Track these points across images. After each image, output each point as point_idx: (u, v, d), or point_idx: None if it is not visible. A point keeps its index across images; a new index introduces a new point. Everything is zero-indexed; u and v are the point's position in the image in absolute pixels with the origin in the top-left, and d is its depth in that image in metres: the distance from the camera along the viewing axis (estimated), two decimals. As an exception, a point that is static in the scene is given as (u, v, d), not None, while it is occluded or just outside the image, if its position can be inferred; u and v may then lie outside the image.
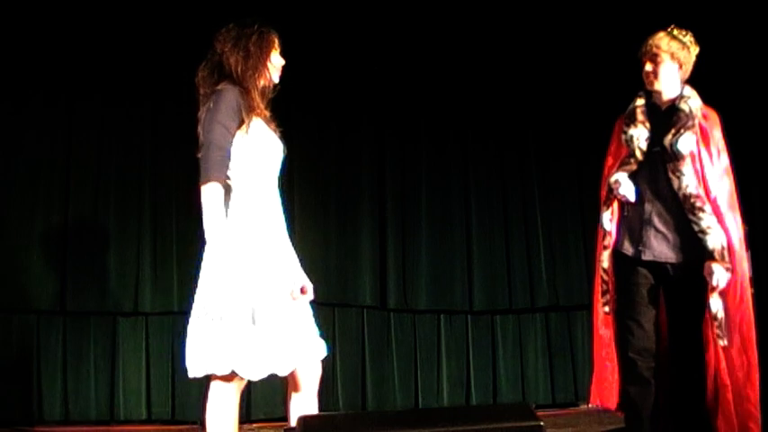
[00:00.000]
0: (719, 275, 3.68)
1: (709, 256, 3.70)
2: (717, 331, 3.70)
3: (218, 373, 3.08)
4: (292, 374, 3.27)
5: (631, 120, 3.91)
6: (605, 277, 3.92)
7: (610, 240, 3.90)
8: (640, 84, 3.94)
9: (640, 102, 3.94)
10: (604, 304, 3.93)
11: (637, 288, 3.83)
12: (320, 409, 3.47)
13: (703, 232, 3.71)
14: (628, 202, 3.85)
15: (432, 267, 7.11)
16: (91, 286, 6.28)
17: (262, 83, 3.28)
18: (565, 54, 7.28)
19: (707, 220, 3.71)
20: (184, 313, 6.34)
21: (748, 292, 3.78)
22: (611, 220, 3.91)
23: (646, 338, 3.79)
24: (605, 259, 3.91)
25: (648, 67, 3.84)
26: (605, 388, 3.94)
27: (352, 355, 6.75)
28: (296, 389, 3.32)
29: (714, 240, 3.70)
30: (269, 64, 3.29)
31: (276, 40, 3.33)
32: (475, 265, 7.21)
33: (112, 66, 6.41)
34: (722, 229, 3.72)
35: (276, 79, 3.34)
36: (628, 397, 3.84)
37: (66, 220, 6.28)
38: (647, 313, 3.80)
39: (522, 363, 7.26)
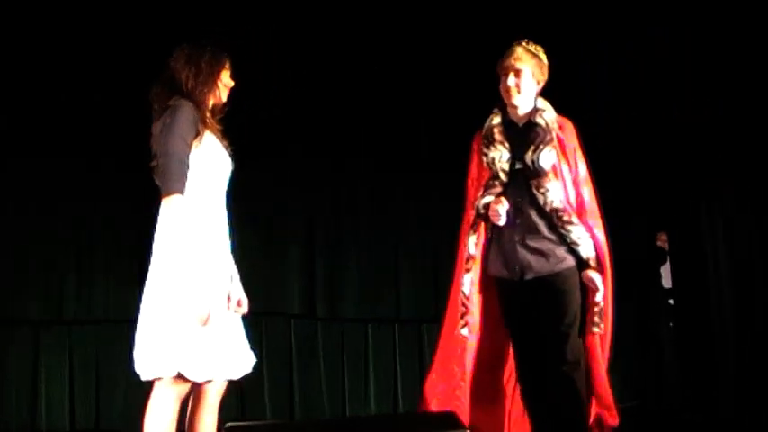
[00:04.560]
0: (597, 280, 3.79)
1: (585, 264, 3.80)
2: (595, 319, 3.81)
3: (165, 375, 3.12)
4: (201, 386, 3.27)
5: (490, 141, 3.92)
6: (465, 302, 3.93)
7: (472, 264, 3.92)
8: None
9: (497, 120, 3.96)
10: (463, 326, 3.92)
11: (522, 310, 3.86)
12: (247, 417, 3.50)
13: (575, 243, 3.79)
14: (495, 225, 3.86)
15: (359, 276, 7.12)
16: (12, 294, 6.21)
17: (212, 100, 3.37)
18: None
19: (576, 231, 3.79)
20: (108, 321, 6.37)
21: (610, 289, 3.88)
22: (476, 245, 3.93)
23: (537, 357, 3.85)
24: (466, 283, 3.93)
25: (511, 81, 3.85)
26: (456, 406, 3.86)
27: (279, 364, 6.73)
28: (199, 400, 3.32)
29: (586, 250, 3.79)
30: (219, 82, 3.37)
31: (227, 62, 3.42)
32: (402, 274, 7.24)
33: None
34: (590, 236, 3.82)
35: (224, 98, 3.42)
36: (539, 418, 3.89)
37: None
38: (534, 333, 3.84)
39: (449, 371, 7.31)
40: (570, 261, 3.81)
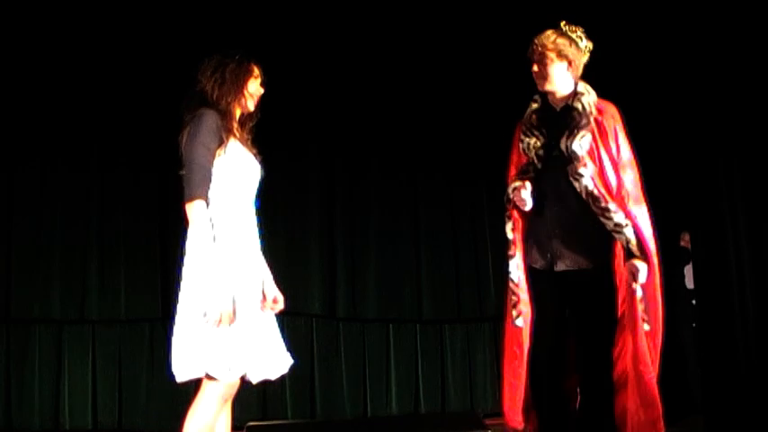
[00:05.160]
0: (642, 269, 3.65)
1: (628, 253, 3.67)
2: (643, 315, 3.68)
3: (194, 377, 3.20)
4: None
5: (527, 127, 3.84)
6: (515, 289, 3.81)
7: (514, 250, 3.83)
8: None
9: (535, 106, 3.88)
10: (516, 317, 3.80)
11: (552, 304, 3.77)
12: (268, 417, 3.54)
13: (616, 231, 3.67)
14: (521, 210, 3.77)
15: (381, 276, 7.12)
16: (36, 294, 6.24)
17: (238, 109, 3.45)
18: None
19: (616, 217, 3.66)
20: (130, 321, 6.41)
21: (658, 280, 3.75)
22: (513, 230, 3.85)
23: (562, 353, 3.75)
24: (513, 270, 3.83)
25: (535, 68, 3.76)
26: (511, 407, 3.84)
27: (300, 364, 6.72)
28: None
29: (629, 237, 3.66)
30: (245, 92, 3.45)
31: (255, 70, 3.50)
32: (423, 275, 7.23)
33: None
34: (632, 224, 3.67)
35: (251, 107, 3.50)
36: (547, 414, 3.79)
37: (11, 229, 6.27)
38: (563, 328, 3.75)
39: (471, 371, 7.28)
40: (603, 259, 3.72)
